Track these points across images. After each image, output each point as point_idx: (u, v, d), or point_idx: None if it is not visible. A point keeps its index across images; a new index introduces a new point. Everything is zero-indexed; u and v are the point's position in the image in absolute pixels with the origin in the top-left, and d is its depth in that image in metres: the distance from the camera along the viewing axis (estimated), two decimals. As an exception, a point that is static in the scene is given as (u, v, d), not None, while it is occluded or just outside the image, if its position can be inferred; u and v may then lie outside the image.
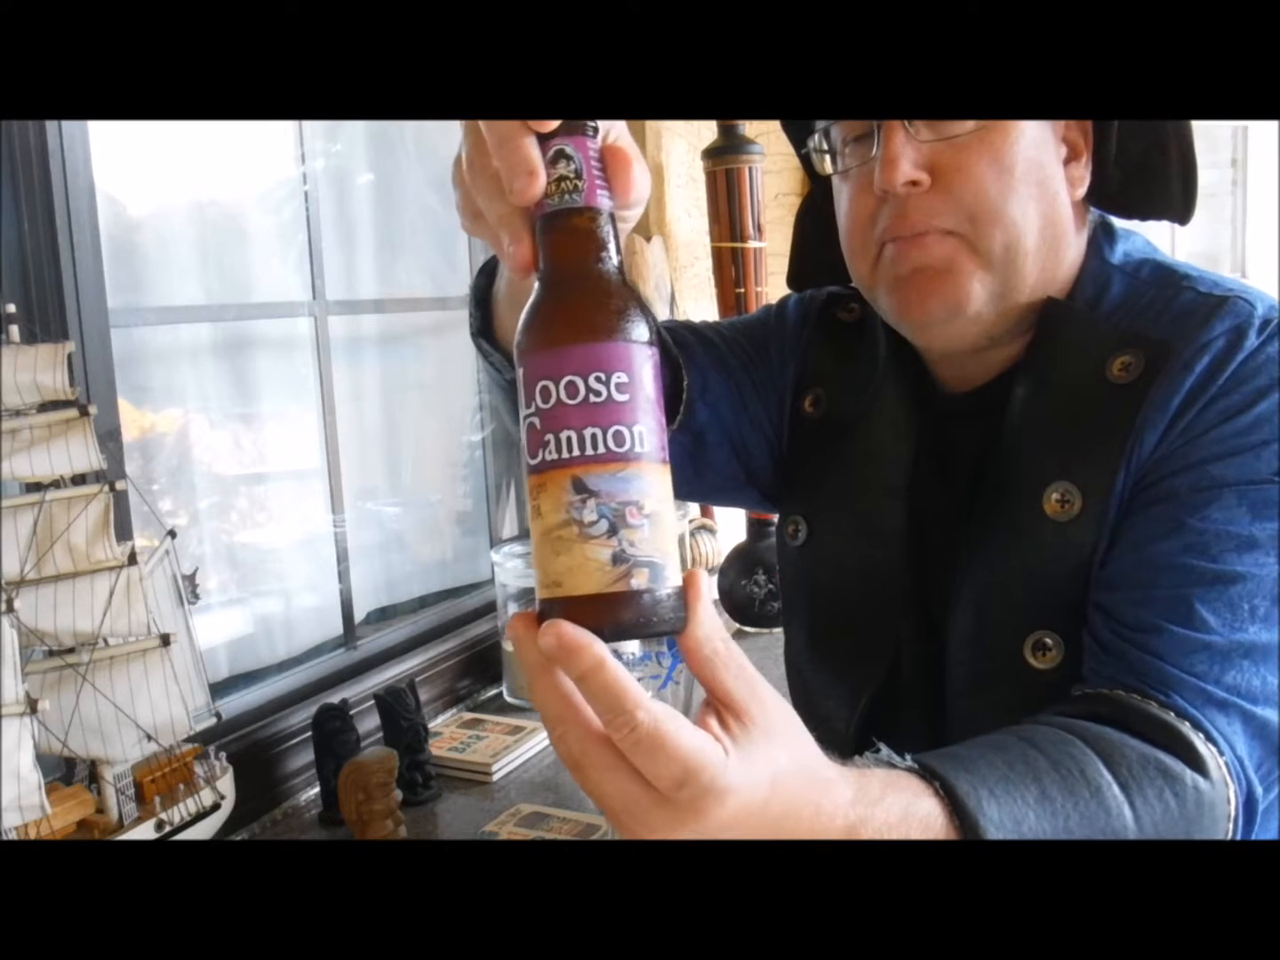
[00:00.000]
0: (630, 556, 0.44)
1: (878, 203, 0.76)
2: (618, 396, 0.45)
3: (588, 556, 0.45)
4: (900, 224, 0.75)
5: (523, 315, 0.48)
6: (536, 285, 0.48)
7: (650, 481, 0.45)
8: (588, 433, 0.45)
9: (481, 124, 0.48)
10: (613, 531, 0.44)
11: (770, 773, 0.46)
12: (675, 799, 0.44)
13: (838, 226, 0.83)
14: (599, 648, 0.44)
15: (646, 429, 0.45)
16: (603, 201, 0.47)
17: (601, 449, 0.45)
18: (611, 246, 0.48)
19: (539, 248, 0.48)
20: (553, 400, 0.45)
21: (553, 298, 0.47)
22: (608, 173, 0.48)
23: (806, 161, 0.86)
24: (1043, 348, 0.77)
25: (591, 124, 0.48)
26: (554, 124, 0.47)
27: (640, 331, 0.46)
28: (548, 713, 0.45)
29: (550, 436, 0.45)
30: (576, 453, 0.45)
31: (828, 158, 0.81)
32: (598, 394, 0.45)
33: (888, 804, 0.52)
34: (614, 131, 0.50)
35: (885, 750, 0.56)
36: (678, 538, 0.47)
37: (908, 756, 0.56)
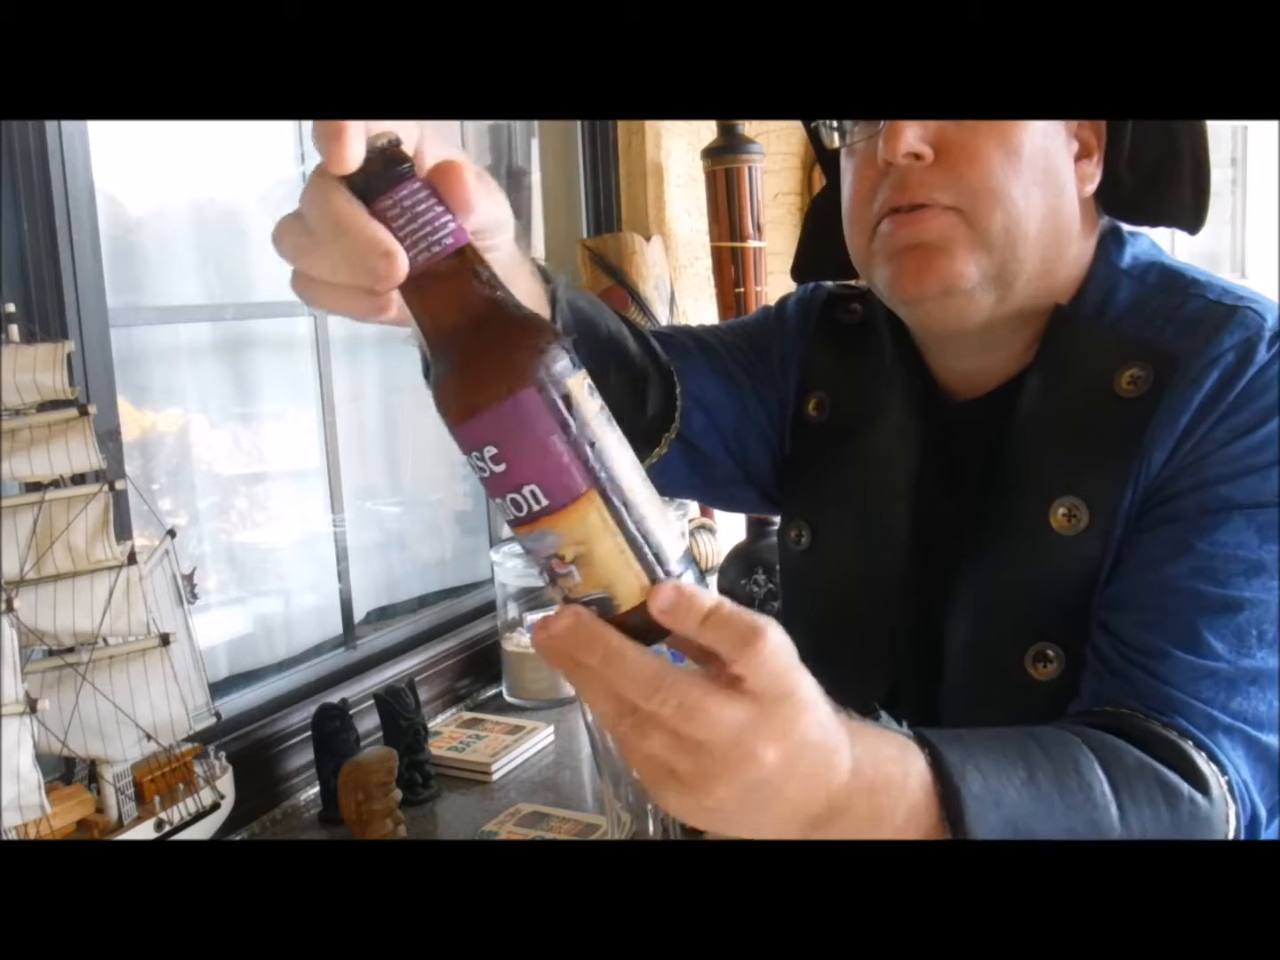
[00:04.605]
0: (574, 599, 0.45)
1: (879, 175, 0.76)
2: (495, 468, 0.44)
3: (553, 598, 0.47)
4: (899, 196, 0.74)
5: None
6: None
7: (563, 530, 0.44)
8: (497, 502, 0.45)
9: (308, 216, 0.45)
10: (552, 581, 0.46)
11: (795, 736, 0.46)
12: (726, 752, 0.44)
13: (842, 205, 0.83)
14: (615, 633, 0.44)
15: (541, 482, 0.44)
16: (448, 242, 0.44)
17: (510, 516, 0.45)
18: (472, 291, 0.45)
19: (410, 311, 0.46)
20: None
21: (435, 372, 0.46)
22: (441, 193, 0.45)
23: (815, 137, 0.86)
24: (1049, 356, 0.77)
25: (405, 163, 0.44)
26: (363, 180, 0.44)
27: (512, 382, 0.43)
28: (642, 677, 0.44)
29: None
30: (504, 517, 0.46)
31: (835, 132, 0.81)
32: (482, 470, 0.44)
33: (885, 755, 0.52)
34: (425, 146, 0.46)
35: (885, 717, 0.56)
36: (644, 548, 0.45)
37: (904, 723, 0.56)
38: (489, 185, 0.48)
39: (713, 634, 0.45)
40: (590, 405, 0.45)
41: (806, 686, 0.46)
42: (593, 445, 0.44)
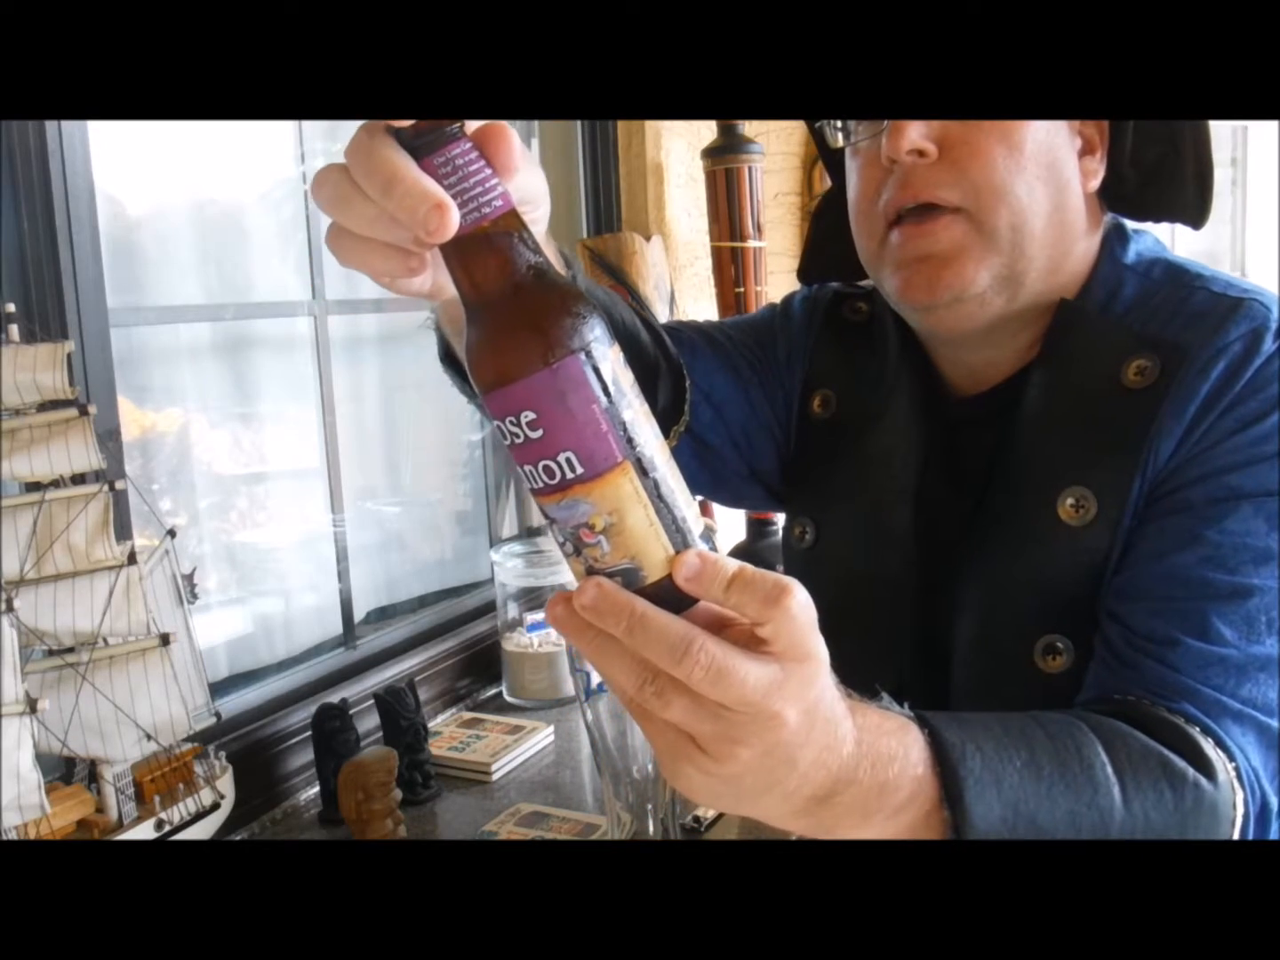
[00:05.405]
0: (598, 570, 0.45)
1: (884, 174, 0.76)
2: (532, 434, 0.44)
3: (574, 571, 0.47)
4: (904, 194, 0.75)
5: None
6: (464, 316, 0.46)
7: (596, 498, 0.44)
8: (527, 469, 0.45)
9: (354, 168, 0.45)
10: (577, 551, 0.46)
11: (812, 697, 0.46)
12: (752, 713, 0.44)
13: (848, 206, 0.83)
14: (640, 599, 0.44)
15: (578, 450, 0.44)
16: (498, 204, 0.45)
17: (539, 484, 0.45)
18: (519, 255, 0.45)
19: (450, 274, 0.46)
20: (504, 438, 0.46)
21: (471, 337, 0.46)
22: (488, 155, 0.45)
23: (819, 137, 0.86)
24: (1055, 350, 0.77)
25: (456, 123, 0.45)
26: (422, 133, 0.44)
27: (556, 349, 0.43)
28: (671, 641, 0.44)
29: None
30: (529, 485, 0.46)
31: (839, 132, 0.81)
32: (516, 436, 0.44)
33: (886, 729, 0.52)
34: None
35: (886, 698, 0.56)
36: (670, 520, 0.45)
37: (906, 705, 0.56)
38: (530, 156, 0.49)
39: (738, 596, 0.45)
40: (627, 376, 0.46)
41: (823, 650, 0.47)
42: (628, 416, 0.45)
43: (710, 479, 0.93)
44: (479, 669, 1.80)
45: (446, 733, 1.57)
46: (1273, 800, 0.65)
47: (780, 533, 0.97)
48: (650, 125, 2.09)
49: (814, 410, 0.91)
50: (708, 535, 0.47)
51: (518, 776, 1.47)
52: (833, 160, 0.88)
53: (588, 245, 2.04)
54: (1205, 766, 0.61)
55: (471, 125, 0.46)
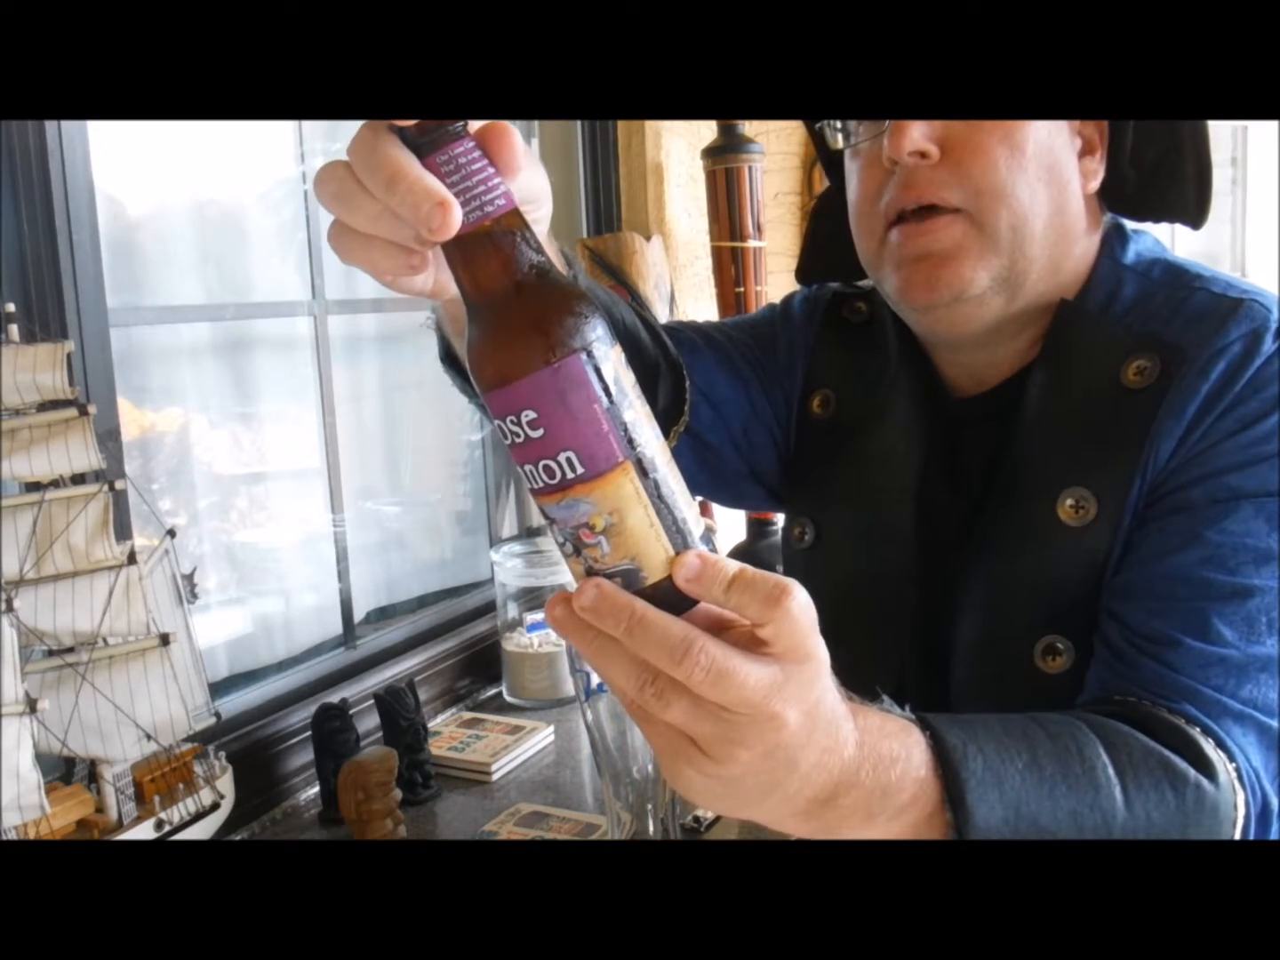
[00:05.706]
0: (598, 571, 0.45)
1: (885, 175, 0.76)
2: (532, 434, 0.44)
3: (573, 572, 0.47)
4: (906, 195, 0.75)
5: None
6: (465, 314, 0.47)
7: (597, 498, 0.44)
8: (527, 469, 0.45)
9: (357, 165, 0.45)
10: (577, 552, 0.46)
11: (813, 698, 0.46)
12: (752, 715, 0.44)
13: (848, 207, 0.83)
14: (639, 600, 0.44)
15: (579, 449, 0.44)
16: (501, 203, 0.45)
17: (539, 484, 0.45)
18: (521, 254, 0.45)
19: (452, 272, 0.46)
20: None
21: (472, 336, 0.46)
22: (490, 154, 0.45)
23: (819, 138, 0.86)
24: (1055, 350, 0.77)
25: (459, 122, 0.45)
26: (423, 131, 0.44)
27: (557, 348, 0.43)
28: (671, 642, 0.43)
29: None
30: (530, 485, 0.46)
31: (839, 133, 0.81)
32: (516, 435, 0.44)
33: (888, 731, 0.52)
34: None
35: (887, 701, 0.56)
36: (671, 521, 0.45)
37: (907, 707, 0.56)
38: (533, 155, 0.49)
39: (738, 598, 0.45)
40: (628, 377, 0.46)
41: (824, 651, 0.47)
42: (629, 416, 0.45)
43: (710, 479, 0.93)
44: (479, 669, 1.80)
45: (446, 733, 1.57)
46: (1273, 800, 0.65)
47: (780, 533, 0.97)
48: (650, 125, 2.09)
49: (814, 410, 0.91)
50: (708, 536, 0.47)
51: (518, 776, 1.47)
52: (831, 161, 0.88)
53: (588, 245, 2.04)
54: (1206, 767, 0.61)
55: (474, 124, 0.46)
